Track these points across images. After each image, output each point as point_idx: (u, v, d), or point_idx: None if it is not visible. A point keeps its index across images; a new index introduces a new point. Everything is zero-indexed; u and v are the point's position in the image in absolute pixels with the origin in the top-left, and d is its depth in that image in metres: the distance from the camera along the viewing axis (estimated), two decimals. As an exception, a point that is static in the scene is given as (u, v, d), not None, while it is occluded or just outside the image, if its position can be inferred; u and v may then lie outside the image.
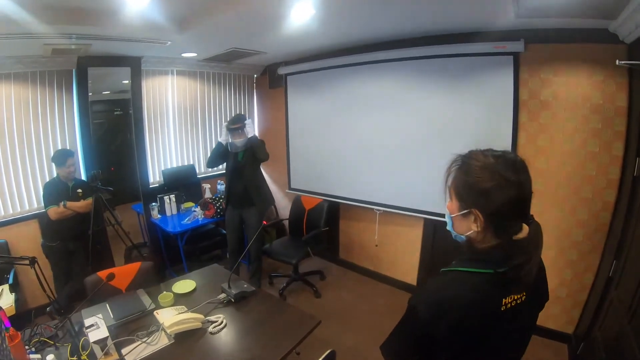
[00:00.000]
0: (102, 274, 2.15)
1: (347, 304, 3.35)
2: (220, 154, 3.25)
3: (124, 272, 2.29)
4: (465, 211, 0.89)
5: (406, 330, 0.95)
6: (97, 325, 1.68)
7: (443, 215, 3.23)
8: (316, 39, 3.01)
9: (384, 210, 3.53)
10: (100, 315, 1.82)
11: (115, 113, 3.92)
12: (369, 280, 3.78)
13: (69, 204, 2.88)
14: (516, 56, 2.60)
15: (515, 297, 0.88)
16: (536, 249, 0.86)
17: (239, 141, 3.13)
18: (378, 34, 2.97)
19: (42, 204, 2.96)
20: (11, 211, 3.15)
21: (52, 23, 2.19)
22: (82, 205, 2.96)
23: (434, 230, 3.28)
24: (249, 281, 3.41)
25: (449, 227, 0.98)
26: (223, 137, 3.20)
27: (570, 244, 2.58)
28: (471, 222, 0.89)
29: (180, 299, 2.06)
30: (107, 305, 1.98)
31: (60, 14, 2.13)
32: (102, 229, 3.32)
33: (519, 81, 2.62)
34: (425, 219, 3.28)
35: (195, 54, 3.53)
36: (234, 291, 1.97)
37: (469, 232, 0.90)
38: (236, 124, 3.09)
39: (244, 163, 3.22)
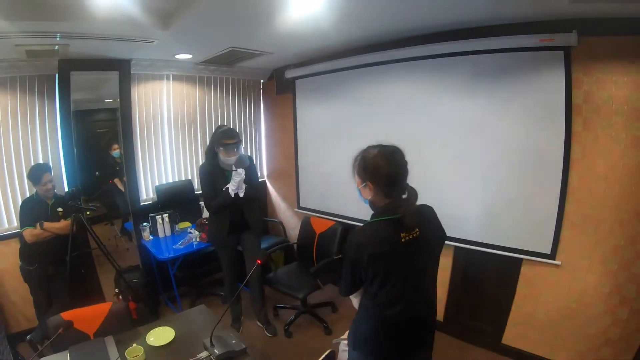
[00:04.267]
0: (67, 315, 1.83)
1: (362, 343, 2.88)
2: (226, 205, 2.75)
3: (92, 314, 1.94)
4: (364, 184, 1.37)
5: (346, 270, 1.36)
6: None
7: (478, 244, 2.76)
8: (328, 36, 2.61)
9: (407, 236, 3.07)
10: (52, 375, 1.51)
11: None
12: (387, 313, 3.30)
13: (47, 224, 2.59)
14: (567, 51, 2.15)
15: (412, 233, 1.33)
16: (409, 201, 1.35)
17: (232, 159, 2.68)
18: (399, 28, 2.54)
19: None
20: (-11, 230, 2.85)
21: (11, 19, 1.89)
22: (62, 226, 2.66)
23: (465, 262, 2.77)
24: (258, 314, 3.04)
25: (359, 197, 1.43)
26: (232, 185, 2.66)
27: (628, 278, 2.14)
28: (368, 190, 1.36)
29: (153, 354, 1.66)
30: (68, 355, 1.65)
31: (17, 8, 1.81)
32: (86, 253, 2.99)
33: (572, 81, 2.16)
34: (455, 247, 2.76)
35: (190, 56, 3.16)
36: (217, 350, 1.55)
37: (370, 197, 1.38)
38: (233, 138, 2.65)
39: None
